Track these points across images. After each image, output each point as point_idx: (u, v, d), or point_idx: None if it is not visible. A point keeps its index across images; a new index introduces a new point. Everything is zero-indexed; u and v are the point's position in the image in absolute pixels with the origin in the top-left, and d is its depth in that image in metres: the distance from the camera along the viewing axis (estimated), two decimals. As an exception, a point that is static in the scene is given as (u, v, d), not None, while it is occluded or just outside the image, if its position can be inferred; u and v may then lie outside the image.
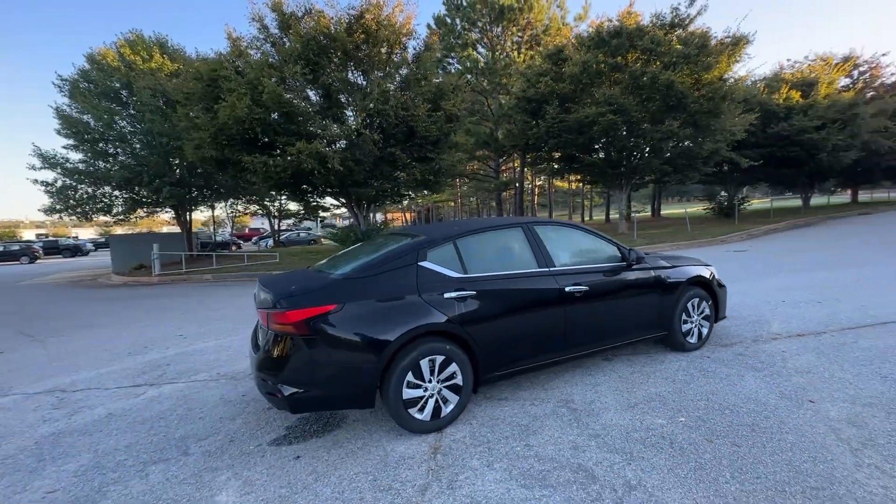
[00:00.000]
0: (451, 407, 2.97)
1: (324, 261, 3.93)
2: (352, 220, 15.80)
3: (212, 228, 27.29)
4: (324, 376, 2.68)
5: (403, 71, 13.48)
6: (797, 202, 27.03)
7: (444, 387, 2.95)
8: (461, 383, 2.99)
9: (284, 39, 11.78)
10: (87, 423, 3.42)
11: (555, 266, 3.46)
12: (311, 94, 12.01)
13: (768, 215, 21.81)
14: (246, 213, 30.10)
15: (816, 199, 30.27)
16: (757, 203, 26.49)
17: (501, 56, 21.76)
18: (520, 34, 21.98)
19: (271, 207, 27.89)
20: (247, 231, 45.35)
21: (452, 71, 20.55)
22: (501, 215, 31.25)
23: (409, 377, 2.82)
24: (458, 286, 3.03)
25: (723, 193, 23.51)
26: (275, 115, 10.99)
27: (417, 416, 2.86)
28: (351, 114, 12.76)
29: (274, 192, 17.26)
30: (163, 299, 9.96)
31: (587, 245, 3.88)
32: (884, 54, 29.04)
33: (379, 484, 2.39)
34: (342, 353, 2.69)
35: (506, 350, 3.17)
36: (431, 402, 2.91)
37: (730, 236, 15.43)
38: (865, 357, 3.76)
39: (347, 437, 2.95)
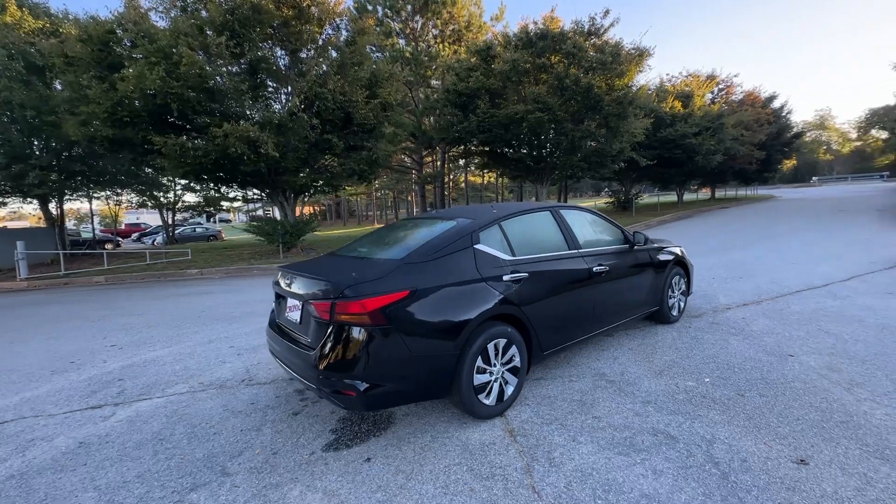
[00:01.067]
0: (511, 389, 2.96)
1: (345, 247, 3.62)
2: (269, 213, 14.55)
3: (92, 223, 23.02)
4: (402, 368, 2.48)
5: (333, 54, 12.75)
6: (673, 197, 31.59)
7: (506, 370, 2.93)
8: (519, 365, 2.99)
9: (200, 8, 10.32)
10: (54, 457, 2.71)
11: (580, 248, 3.63)
12: (237, 69, 10.71)
13: (656, 209, 25.17)
14: (123, 206, 25.96)
15: (686, 196, 35.65)
16: (645, 198, 30.37)
17: (424, 48, 21.73)
18: (442, 27, 22.14)
19: (163, 199, 24.46)
20: (124, 226, 38.99)
21: (375, 60, 20.00)
22: (426, 209, 31.33)
23: (479, 362, 2.75)
24: (512, 268, 3.02)
25: (619, 189, 26.50)
26: (193, 92, 9.59)
27: (485, 401, 2.81)
28: (284, 95, 11.70)
29: (187, 180, 15.08)
30: (51, 307, 8.18)
31: (599, 228, 4.12)
32: (735, 75, 35.26)
33: (478, 472, 2.30)
34: (420, 341, 2.52)
35: (553, 329, 3.24)
36: (496, 387, 2.87)
37: (633, 226, 17.50)
38: (804, 319, 4.59)
39: (409, 431, 2.77)
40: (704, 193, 40.94)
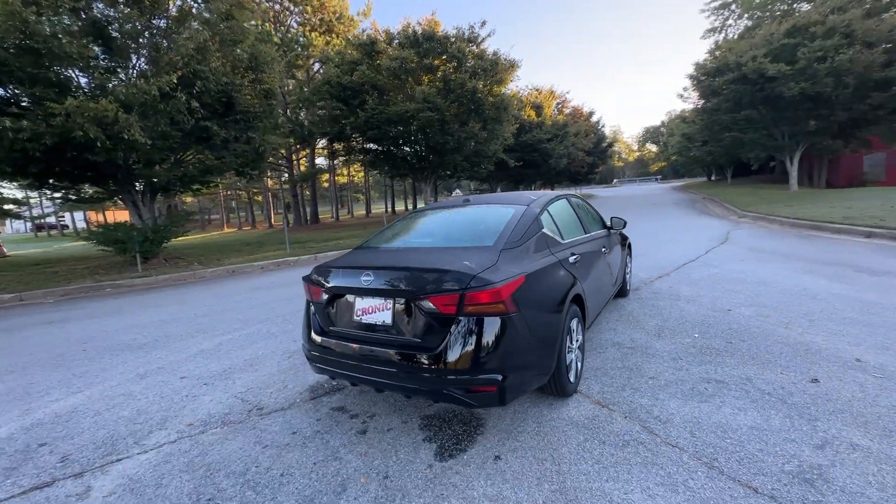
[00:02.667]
0: (579, 365, 3.11)
1: (380, 240, 3.25)
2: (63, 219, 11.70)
3: None
4: (527, 355, 2.39)
5: (196, 25, 10.83)
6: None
7: (577, 347, 3.07)
8: (582, 340, 3.17)
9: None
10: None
11: (590, 231, 3.99)
12: (78, 27, 8.15)
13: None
14: None
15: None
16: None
17: (294, 34, 20.07)
18: (312, 14, 20.77)
19: None
20: None
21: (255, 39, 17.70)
22: (301, 208, 28.86)
23: (567, 341, 2.83)
24: (569, 250, 3.17)
25: (487, 188, 28.95)
26: (13, 51, 7.02)
27: (571, 379, 2.90)
28: (136, 69, 9.42)
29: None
30: None
31: (589, 212, 4.55)
32: (567, 92, 41.92)
33: (613, 443, 2.40)
34: (538, 326, 2.47)
35: (592, 307, 3.50)
36: (576, 364, 2.99)
37: None
38: (709, 283, 5.84)
39: (506, 424, 2.69)
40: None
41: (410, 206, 39.21)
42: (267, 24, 19.45)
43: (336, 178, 46.17)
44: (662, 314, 4.62)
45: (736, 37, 30.41)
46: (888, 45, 16.65)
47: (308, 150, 24.58)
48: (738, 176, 36.40)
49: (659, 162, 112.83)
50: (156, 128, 8.69)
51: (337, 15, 21.07)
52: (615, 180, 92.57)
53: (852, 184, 24.78)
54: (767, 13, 28.88)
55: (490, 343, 2.25)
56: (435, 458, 2.38)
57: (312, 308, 2.87)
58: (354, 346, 2.56)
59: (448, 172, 20.20)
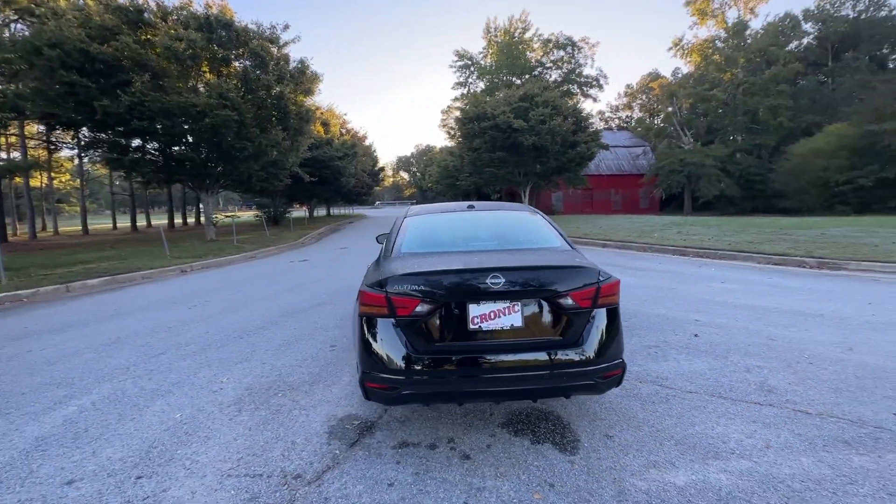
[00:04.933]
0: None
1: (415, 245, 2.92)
2: None
3: None
4: (621, 342, 2.67)
5: None
6: (302, 214, 34.44)
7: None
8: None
9: None
10: None
11: None
12: None
13: (304, 222, 26.98)
14: None
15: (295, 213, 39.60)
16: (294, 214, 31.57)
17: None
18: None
19: None
20: None
21: None
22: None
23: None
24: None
25: (269, 203, 26.31)
26: None
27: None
28: None
29: None
30: None
31: None
32: (345, 114, 42.82)
33: (668, 400, 3.02)
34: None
35: None
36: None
37: (305, 237, 18.33)
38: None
39: (579, 411, 2.94)
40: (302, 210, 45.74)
41: (179, 221, 31.05)
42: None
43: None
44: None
45: (479, 92, 38.37)
46: (574, 119, 24.62)
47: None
48: (480, 203, 45.56)
49: (410, 188, 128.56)
50: None
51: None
52: (377, 202, 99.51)
53: (550, 213, 35.05)
54: (496, 80, 37.75)
55: (614, 330, 2.50)
56: (564, 454, 2.42)
57: (390, 327, 2.37)
58: (470, 359, 2.31)
59: (227, 182, 17.31)
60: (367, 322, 2.46)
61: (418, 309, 2.34)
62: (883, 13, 40.50)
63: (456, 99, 49.98)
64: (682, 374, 3.45)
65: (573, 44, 35.59)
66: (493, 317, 2.37)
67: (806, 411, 2.79)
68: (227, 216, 22.95)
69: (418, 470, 2.32)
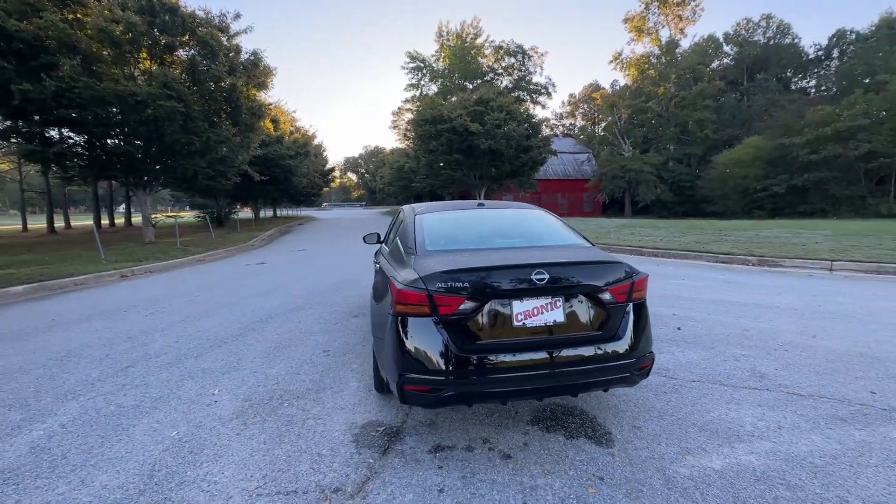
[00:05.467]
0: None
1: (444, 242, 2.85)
2: None
3: None
4: (650, 335, 2.70)
5: None
6: (247, 215, 32.60)
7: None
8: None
9: None
10: None
11: None
12: None
13: (251, 224, 25.54)
14: None
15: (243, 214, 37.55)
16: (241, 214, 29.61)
17: None
18: None
19: None
20: None
21: None
22: None
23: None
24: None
25: (212, 203, 24.57)
26: None
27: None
28: None
29: None
30: None
31: None
32: (294, 111, 40.93)
33: (677, 389, 3.16)
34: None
35: None
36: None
37: (256, 240, 17.37)
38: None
39: (600, 404, 3.01)
40: (247, 212, 43.69)
41: (105, 221, 27.65)
42: None
43: None
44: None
45: (433, 94, 38.48)
46: (527, 125, 25.42)
47: None
48: (433, 205, 45.71)
49: (359, 189, 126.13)
50: None
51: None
52: (324, 204, 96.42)
53: None
54: (449, 83, 38.11)
55: (645, 323, 2.58)
56: (601, 447, 2.46)
57: (431, 326, 2.28)
58: (514, 356, 2.28)
59: (169, 180, 15.92)
60: (405, 322, 2.35)
61: (462, 307, 2.27)
62: (788, 40, 45.73)
63: (407, 101, 49.90)
64: (680, 364, 3.64)
65: (523, 52, 36.82)
66: (536, 313, 2.36)
67: (799, 393, 3.05)
68: (168, 216, 21.12)
69: (464, 473, 2.24)
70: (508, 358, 2.27)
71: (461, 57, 36.50)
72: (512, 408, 2.92)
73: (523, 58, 36.82)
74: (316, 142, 40.46)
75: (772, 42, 46.39)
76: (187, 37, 12.72)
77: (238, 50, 14.00)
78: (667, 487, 2.09)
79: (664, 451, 2.40)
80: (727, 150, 35.25)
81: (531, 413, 2.86)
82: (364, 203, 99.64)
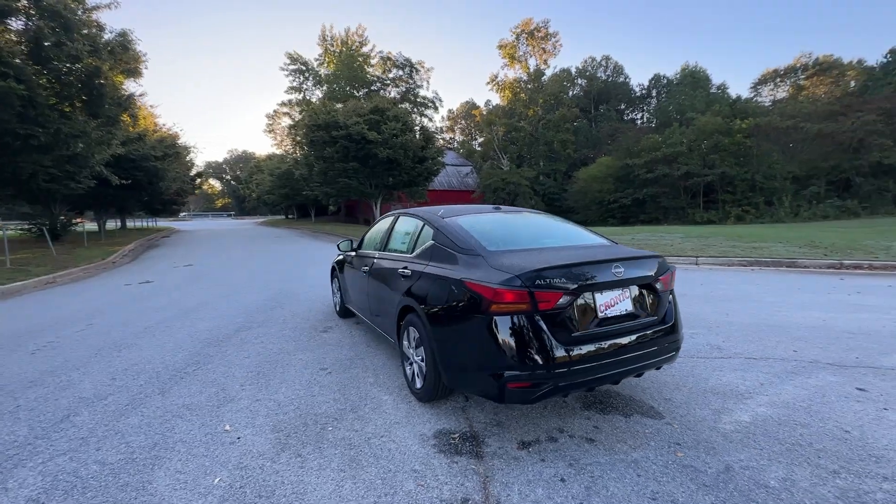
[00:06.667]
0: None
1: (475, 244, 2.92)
2: None
3: None
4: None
5: None
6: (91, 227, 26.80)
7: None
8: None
9: None
10: None
11: None
12: None
13: (100, 237, 21.05)
14: None
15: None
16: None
17: None
18: None
19: None
20: None
21: None
22: None
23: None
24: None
25: (39, 213, 19.40)
26: None
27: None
28: None
29: None
30: None
31: None
32: (153, 106, 34.41)
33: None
34: None
35: None
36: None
37: (115, 256, 14.50)
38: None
39: (640, 385, 3.37)
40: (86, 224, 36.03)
41: None
42: None
43: None
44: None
45: (322, 98, 36.82)
46: (423, 136, 26.07)
47: None
48: (319, 216, 43.53)
49: (224, 198, 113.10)
50: None
51: None
52: (182, 214, 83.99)
53: None
54: (336, 89, 36.98)
55: (677, 308, 3.00)
56: (656, 420, 2.80)
57: (532, 322, 2.35)
58: (601, 344, 2.49)
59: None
60: (502, 321, 2.37)
61: (560, 301, 2.39)
62: (621, 79, 55.40)
63: (284, 104, 46.90)
64: (656, 345, 4.26)
65: (411, 65, 37.72)
66: (613, 303, 2.60)
67: (752, 357, 3.85)
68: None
69: (569, 461, 2.35)
70: (596, 346, 2.46)
71: (348, 64, 35.80)
72: (560, 398, 3.10)
73: (411, 70, 37.74)
74: (180, 142, 35.31)
75: (610, 79, 55.81)
76: (27, 3, 10.09)
77: (100, 27, 11.58)
78: (728, 441, 2.50)
79: (702, 413, 2.84)
80: (585, 167, 41.16)
81: (578, 401, 3.08)
82: (232, 213, 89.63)
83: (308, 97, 39.21)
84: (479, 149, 52.71)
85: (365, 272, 4.28)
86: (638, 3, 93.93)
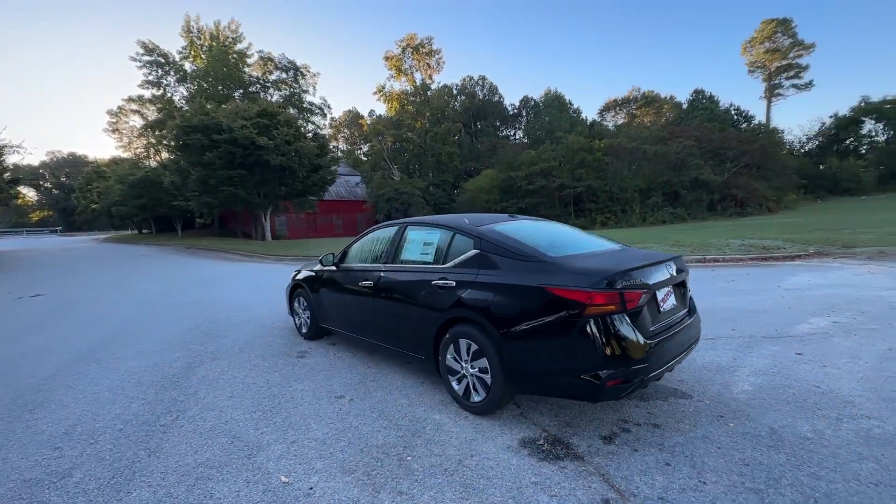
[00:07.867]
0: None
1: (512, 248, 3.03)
2: None
3: None
4: None
5: None
6: None
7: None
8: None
9: None
10: None
11: None
12: None
13: None
14: None
15: None
16: None
17: None
18: None
19: None
20: None
21: None
22: None
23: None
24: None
25: None
26: None
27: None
28: None
29: None
30: None
31: None
32: None
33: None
34: None
35: None
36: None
37: None
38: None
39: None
40: None
41: None
42: None
43: None
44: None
45: (181, 98, 32.30)
46: (317, 143, 24.78)
47: None
48: (186, 229, 38.00)
49: (43, 210, 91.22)
50: None
51: None
52: (-20, 230, 65.04)
53: (276, 237, 33.34)
54: (207, 88, 32.91)
55: (693, 301, 3.45)
56: (687, 399, 3.19)
57: (623, 321, 2.51)
58: (668, 336, 2.76)
59: None
60: (595, 323, 2.47)
61: (641, 300, 2.60)
62: (497, 98, 60.39)
63: (133, 99, 40.20)
64: (632, 336, 4.80)
65: (296, 68, 35.49)
66: (667, 298, 2.90)
67: (710, 337, 4.59)
68: None
69: (659, 447, 2.54)
70: (665, 338, 2.73)
71: (221, 60, 32.11)
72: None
73: (296, 74, 35.48)
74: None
75: (486, 98, 60.49)
76: None
77: None
78: (752, 408, 2.98)
79: (715, 389, 3.32)
80: (471, 179, 43.73)
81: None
82: (59, 228, 72.53)
83: (170, 95, 34.13)
84: (365, 159, 52.13)
85: (367, 287, 3.97)
86: (509, 28, 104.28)
